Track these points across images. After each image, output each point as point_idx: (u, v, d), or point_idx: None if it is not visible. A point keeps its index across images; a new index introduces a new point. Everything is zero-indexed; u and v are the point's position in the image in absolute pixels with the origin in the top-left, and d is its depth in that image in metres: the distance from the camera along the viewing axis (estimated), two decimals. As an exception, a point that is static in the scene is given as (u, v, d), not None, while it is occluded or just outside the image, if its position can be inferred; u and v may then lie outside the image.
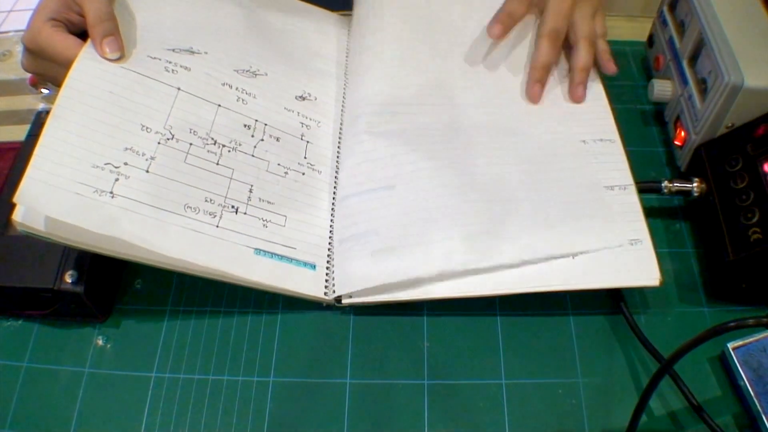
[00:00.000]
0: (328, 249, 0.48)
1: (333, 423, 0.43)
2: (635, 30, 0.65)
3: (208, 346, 0.46)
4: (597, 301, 0.48)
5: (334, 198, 0.50)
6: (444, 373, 0.45)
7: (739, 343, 0.43)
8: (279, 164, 0.50)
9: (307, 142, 0.52)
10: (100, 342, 0.47)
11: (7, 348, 0.46)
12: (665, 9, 0.58)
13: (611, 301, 0.47)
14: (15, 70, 0.64)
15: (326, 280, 0.47)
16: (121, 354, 0.46)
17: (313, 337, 0.47)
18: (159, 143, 0.45)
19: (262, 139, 0.50)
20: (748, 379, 0.42)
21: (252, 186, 0.48)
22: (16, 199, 0.39)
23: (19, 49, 0.65)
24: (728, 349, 0.44)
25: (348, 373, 0.45)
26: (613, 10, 0.74)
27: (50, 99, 0.61)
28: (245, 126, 0.50)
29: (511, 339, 0.46)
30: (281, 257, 0.46)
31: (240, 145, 0.49)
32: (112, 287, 0.49)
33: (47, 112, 0.53)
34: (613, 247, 0.46)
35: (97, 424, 0.43)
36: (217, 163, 0.47)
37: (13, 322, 0.47)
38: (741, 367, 0.43)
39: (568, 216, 0.47)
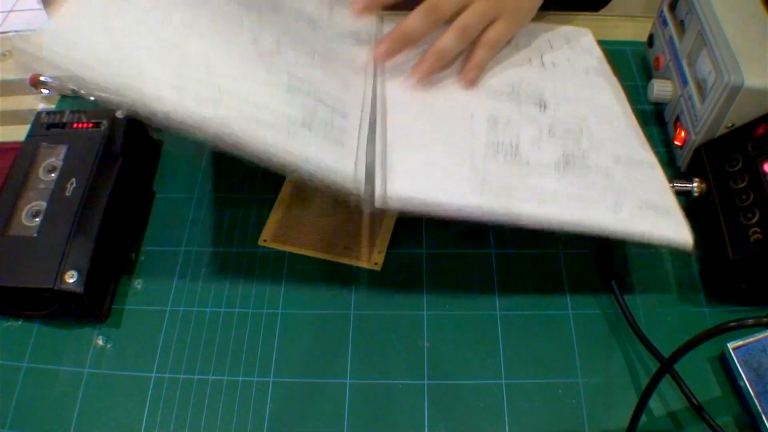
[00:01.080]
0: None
1: (333, 423, 0.43)
2: (635, 30, 0.65)
3: (208, 346, 0.46)
4: (598, 301, 0.48)
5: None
6: (444, 373, 0.45)
7: (739, 343, 0.43)
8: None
9: None
10: (100, 342, 0.47)
11: (7, 348, 0.46)
12: (665, 9, 0.58)
13: (606, 289, 0.47)
14: (15, 70, 0.64)
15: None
16: (121, 354, 0.46)
17: (313, 337, 0.47)
18: None
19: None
20: (748, 379, 0.42)
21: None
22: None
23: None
24: (728, 349, 0.44)
25: (348, 373, 0.45)
26: (613, 10, 0.74)
27: (50, 99, 0.61)
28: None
29: (511, 338, 0.46)
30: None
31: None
32: (112, 287, 0.49)
33: (47, 113, 0.53)
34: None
35: (97, 424, 0.43)
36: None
37: (13, 322, 0.47)
38: (741, 367, 0.43)
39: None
